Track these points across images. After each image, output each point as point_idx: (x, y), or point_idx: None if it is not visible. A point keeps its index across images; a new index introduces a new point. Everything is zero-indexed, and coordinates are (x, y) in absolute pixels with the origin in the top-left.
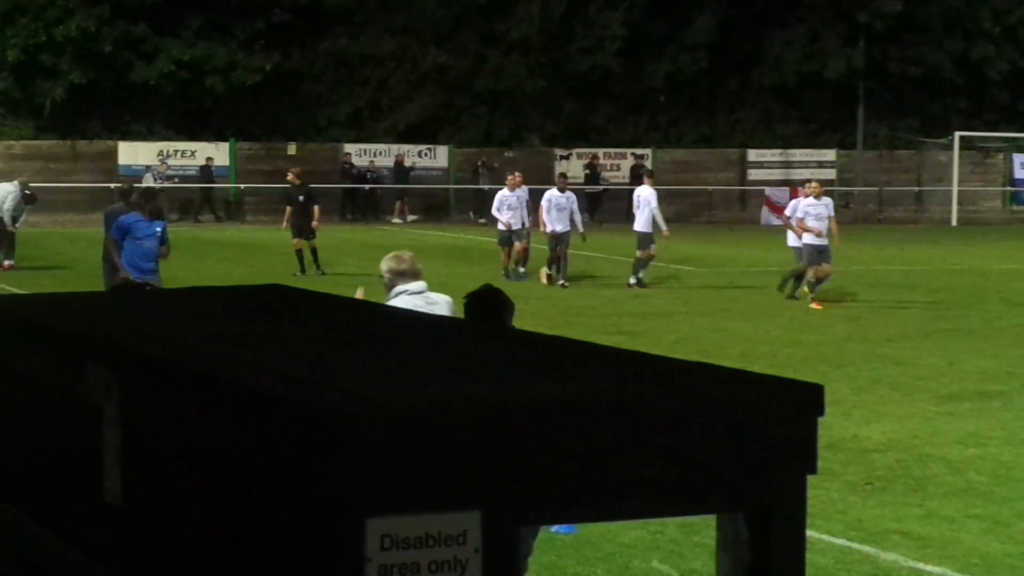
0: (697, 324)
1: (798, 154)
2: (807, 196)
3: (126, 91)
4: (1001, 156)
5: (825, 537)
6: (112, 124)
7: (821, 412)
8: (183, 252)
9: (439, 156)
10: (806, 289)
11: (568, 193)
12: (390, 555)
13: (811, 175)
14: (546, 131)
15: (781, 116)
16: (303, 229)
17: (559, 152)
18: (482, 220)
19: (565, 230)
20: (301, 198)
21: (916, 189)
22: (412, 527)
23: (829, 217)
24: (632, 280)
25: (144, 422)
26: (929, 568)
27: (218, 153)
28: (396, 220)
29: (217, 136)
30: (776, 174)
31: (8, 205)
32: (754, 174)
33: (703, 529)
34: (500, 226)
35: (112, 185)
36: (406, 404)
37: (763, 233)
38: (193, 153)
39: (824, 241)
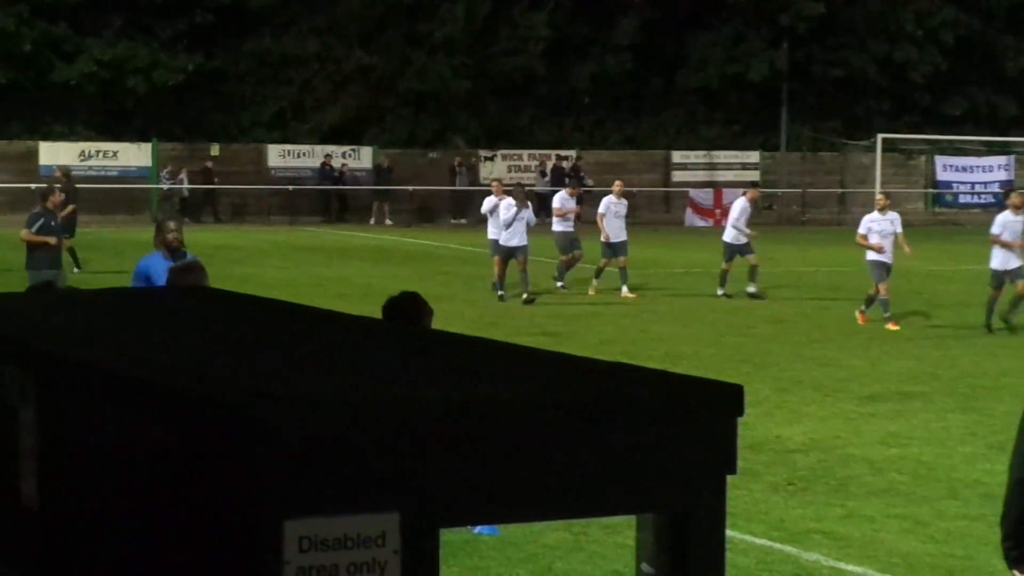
0: (621, 325)
1: (722, 156)
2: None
3: (47, 91)
4: (923, 158)
5: (747, 537)
6: (33, 125)
7: (741, 412)
8: (102, 253)
9: (363, 157)
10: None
11: (527, 211)
12: (308, 557)
13: (735, 177)
14: (471, 132)
15: (705, 118)
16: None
17: (483, 153)
18: (463, 221)
19: (518, 244)
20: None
21: (839, 191)
22: (330, 529)
23: (895, 233)
24: (559, 283)
25: (61, 424)
26: (850, 568)
27: (140, 154)
28: (385, 221)
29: (139, 136)
30: (700, 176)
31: None
32: (678, 176)
33: (625, 530)
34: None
35: (33, 186)
36: (324, 405)
37: (687, 235)
38: (115, 154)
39: (888, 258)
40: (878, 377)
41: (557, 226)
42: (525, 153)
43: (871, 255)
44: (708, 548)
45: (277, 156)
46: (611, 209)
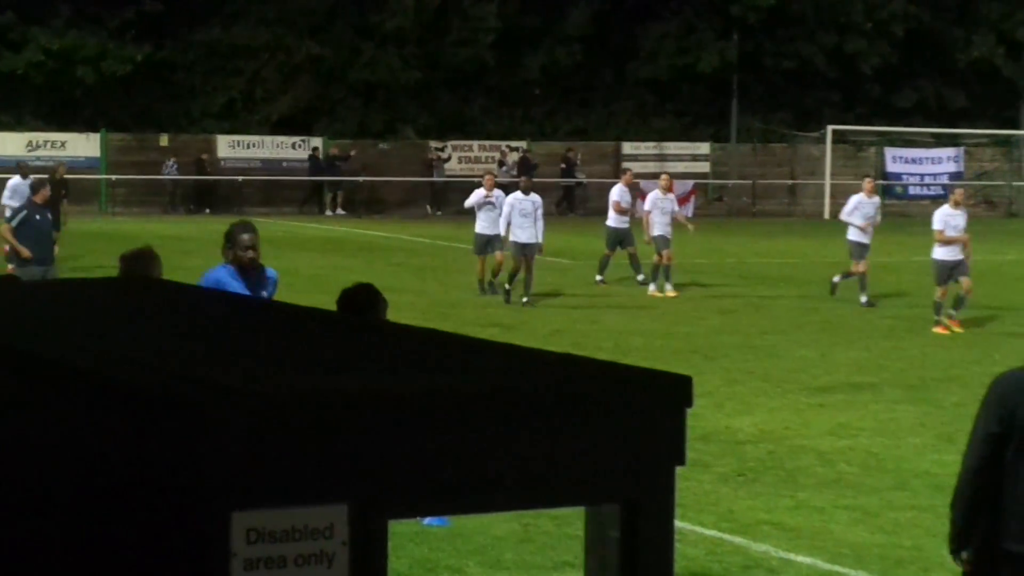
0: (572, 317)
1: (672, 147)
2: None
3: None
4: (873, 150)
5: (697, 528)
6: None
7: (690, 403)
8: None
9: (313, 148)
10: (951, 312)
11: (534, 195)
12: (256, 549)
13: (685, 168)
14: (421, 123)
15: (656, 109)
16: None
17: (434, 144)
18: (438, 212)
19: (531, 241)
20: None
21: (789, 182)
22: (278, 521)
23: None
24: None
25: (3, 416)
26: (799, 559)
27: (88, 144)
28: (329, 213)
29: (87, 127)
30: (651, 167)
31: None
32: (629, 167)
33: (575, 521)
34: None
35: None
36: (272, 396)
37: (638, 225)
38: (63, 144)
39: (960, 255)
40: (828, 368)
41: (611, 221)
42: (475, 144)
43: (941, 252)
44: (657, 539)
45: (227, 146)
46: (657, 205)
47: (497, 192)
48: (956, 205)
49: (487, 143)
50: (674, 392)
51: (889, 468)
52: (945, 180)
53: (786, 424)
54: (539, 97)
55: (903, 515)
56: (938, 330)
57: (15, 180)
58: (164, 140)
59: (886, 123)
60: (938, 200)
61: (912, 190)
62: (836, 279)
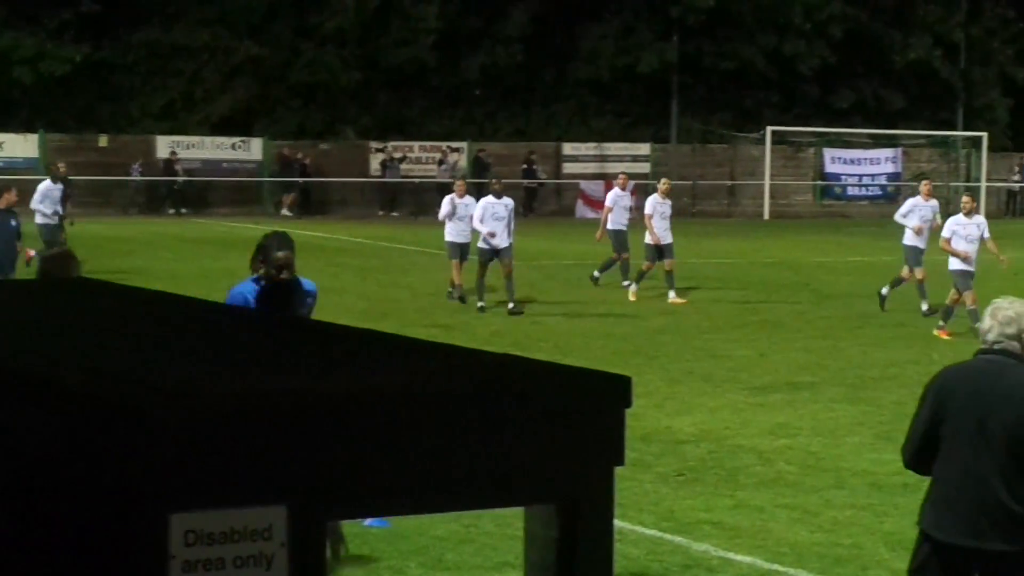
0: (512, 317)
1: (613, 148)
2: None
3: None
4: (812, 151)
5: (637, 528)
6: None
7: (629, 404)
8: None
9: (253, 149)
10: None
11: (506, 199)
12: (194, 551)
13: (625, 169)
14: (361, 124)
15: (596, 110)
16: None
17: (374, 145)
18: (395, 214)
19: (504, 245)
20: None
21: (729, 183)
22: (217, 522)
23: (983, 239)
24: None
25: None
26: (739, 558)
27: (27, 145)
28: (286, 212)
29: (26, 127)
30: (591, 168)
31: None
32: (569, 167)
33: (515, 521)
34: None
35: None
36: (210, 397)
37: (578, 226)
38: (1, 144)
39: (972, 266)
40: (767, 368)
41: (612, 224)
42: (416, 145)
43: (955, 263)
44: (597, 539)
45: (166, 147)
46: (657, 209)
47: (468, 199)
48: (969, 214)
49: (428, 144)
50: (613, 392)
51: (828, 467)
52: (883, 181)
53: (726, 424)
54: (480, 98)
55: (842, 514)
56: (940, 334)
57: (47, 184)
58: (103, 141)
59: (825, 124)
60: (877, 201)
61: (851, 191)
62: (884, 291)
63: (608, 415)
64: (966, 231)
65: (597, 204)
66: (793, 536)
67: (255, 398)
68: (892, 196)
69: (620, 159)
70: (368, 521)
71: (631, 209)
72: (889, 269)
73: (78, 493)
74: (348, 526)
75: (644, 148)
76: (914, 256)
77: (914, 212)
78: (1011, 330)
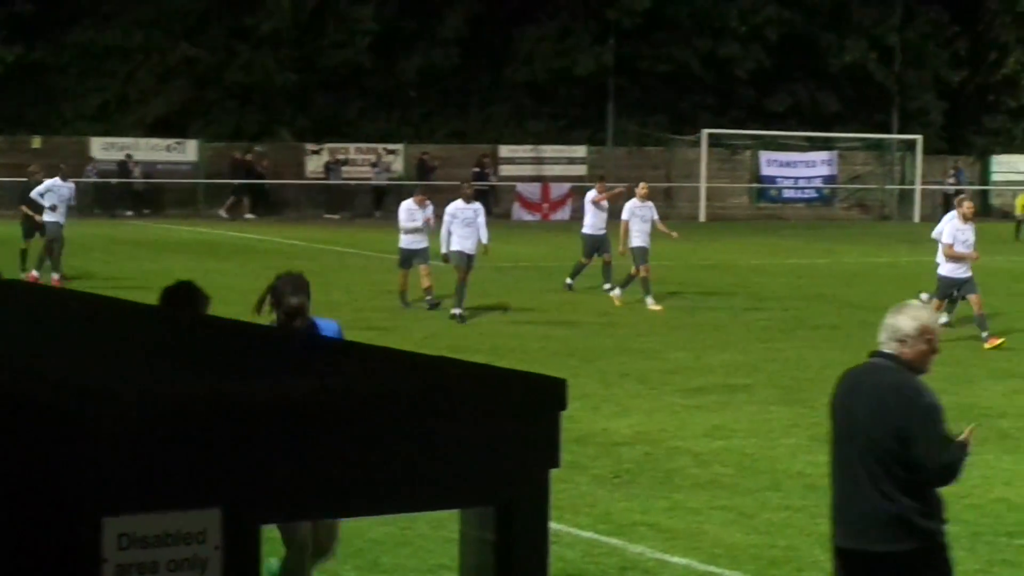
0: (448, 321)
1: (549, 150)
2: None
3: None
4: (748, 153)
5: (573, 530)
6: None
7: (564, 406)
8: None
9: (188, 150)
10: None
11: (475, 203)
12: (128, 554)
13: (562, 171)
14: (297, 125)
15: (532, 112)
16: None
17: (310, 147)
18: (336, 216)
19: (475, 251)
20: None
21: (665, 185)
22: (150, 525)
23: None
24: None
25: None
26: (675, 560)
27: None
28: (223, 214)
29: None
30: (527, 170)
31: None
32: (505, 170)
33: (450, 524)
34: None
35: None
36: (144, 401)
37: (514, 228)
38: None
39: (967, 272)
40: (703, 370)
41: (587, 228)
42: (352, 147)
43: (946, 268)
44: (533, 541)
45: (100, 149)
46: (636, 213)
47: (428, 208)
48: (966, 220)
49: (364, 146)
50: (548, 395)
51: (763, 469)
52: (819, 183)
53: (662, 426)
54: (416, 100)
55: (777, 516)
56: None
57: (54, 180)
58: (36, 142)
59: (761, 127)
60: (812, 203)
61: (786, 193)
62: (924, 297)
63: (543, 417)
64: (965, 236)
65: (533, 206)
66: (729, 538)
67: (189, 401)
68: (827, 199)
69: (556, 161)
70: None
71: (646, 220)
72: (825, 271)
73: (11, 496)
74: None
75: (580, 150)
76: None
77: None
78: (889, 333)
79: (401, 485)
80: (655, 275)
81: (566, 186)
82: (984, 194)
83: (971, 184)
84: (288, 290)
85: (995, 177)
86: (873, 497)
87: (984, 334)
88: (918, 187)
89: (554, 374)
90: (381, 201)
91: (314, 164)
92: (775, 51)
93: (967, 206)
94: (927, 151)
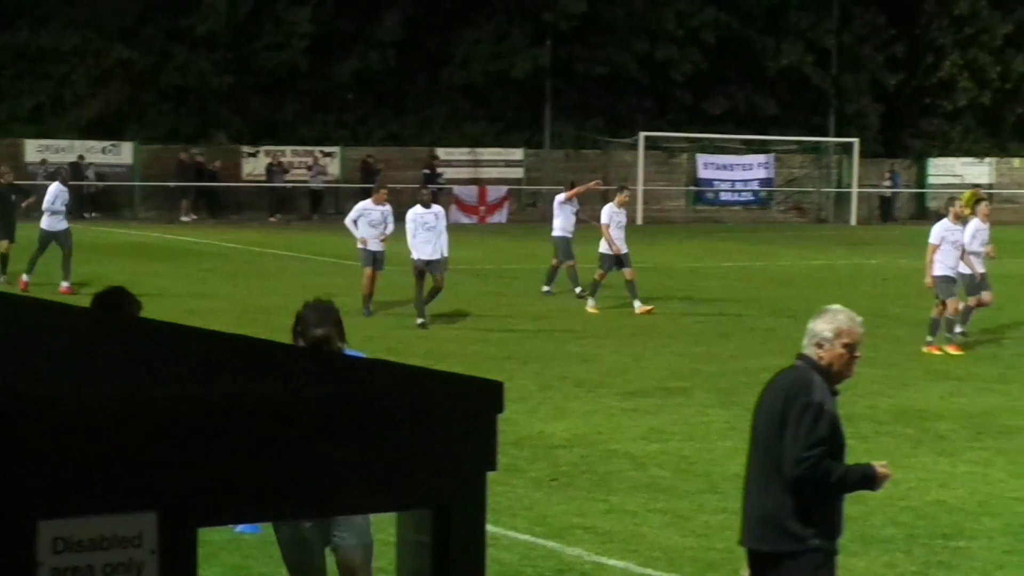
0: (385, 323)
1: (486, 153)
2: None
3: None
4: (685, 156)
5: (510, 533)
6: None
7: (501, 409)
8: None
9: (124, 152)
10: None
11: (436, 207)
12: (63, 558)
13: (499, 174)
14: (233, 128)
15: (469, 115)
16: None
17: (246, 149)
18: (278, 219)
19: (436, 257)
20: (14, 197)
21: (602, 188)
22: (86, 529)
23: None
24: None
25: None
26: (612, 562)
27: None
28: (184, 218)
29: None
30: (465, 173)
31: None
32: (443, 172)
33: (388, 527)
34: (360, 246)
35: None
36: (78, 404)
37: (451, 231)
38: None
39: (955, 273)
40: (640, 373)
41: (557, 231)
42: (288, 149)
43: (939, 270)
44: (469, 544)
45: (35, 151)
46: (614, 219)
47: (386, 207)
48: (958, 220)
49: (300, 148)
50: (485, 397)
51: (700, 471)
52: (756, 186)
53: (599, 428)
54: (352, 102)
55: (715, 518)
56: (951, 350)
57: (56, 185)
58: None
59: (698, 130)
60: (749, 206)
61: (723, 196)
62: (962, 319)
63: (480, 420)
64: (954, 237)
65: (470, 209)
66: (666, 540)
67: (125, 404)
68: (764, 202)
69: (493, 164)
70: (240, 527)
71: (621, 227)
72: (762, 274)
73: None
74: (220, 532)
75: (517, 153)
76: (979, 281)
77: (976, 237)
78: (809, 337)
79: (337, 488)
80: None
81: (503, 189)
82: (921, 197)
83: (906, 187)
84: (313, 320)
85: (932, 180)
86: (760, 497)
87: (930, 338)
88: (855, 190)
89: (491, 377)
90: (318, 204)
91: (251, 166)
92: (712, 54)
93: (983, 207)
94: (864, 154)
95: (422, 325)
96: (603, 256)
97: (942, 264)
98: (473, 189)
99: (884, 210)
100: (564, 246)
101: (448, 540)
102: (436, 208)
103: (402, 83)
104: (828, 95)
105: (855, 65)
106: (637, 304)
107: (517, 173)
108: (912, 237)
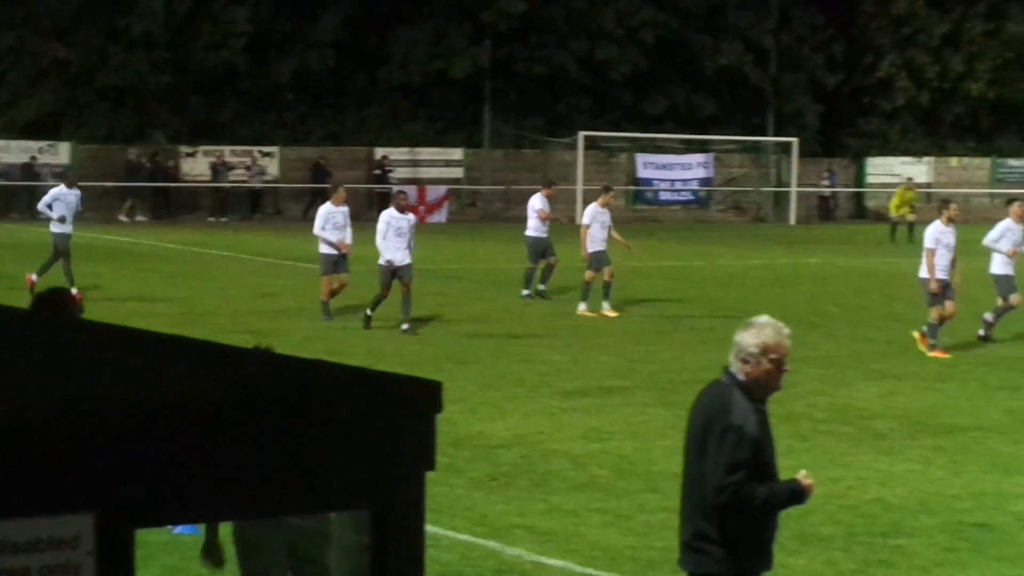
0: (325, 323)
1: (426, 153)
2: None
3: None
4: (624, 156)
5: (450, 533)
6: None
7: (439, 409)
8: None
9: (61, 153)
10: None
11: (409, 214)
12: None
13: (439, 174)
14: (171, 128)
15: (408, 114)
16: None
17: (184, 149)
18: (224, 219)
19: (405, 262)
20: None
21: (541, 188)
22: (22, 531)
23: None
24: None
25: None
26: (552, 562)
27: None
28: (123, 218)
29: None
30: (404, 172)
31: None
32: (393, 171)
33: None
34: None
35: None
36: (14, 406)
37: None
38: None
39: (947, 276)
40: (580, 373)
41: (531, 231)
42: (227, 149)
43: (925, 273)
44: (408, 544)
45: None
46: (597, 219)
47: (345, 208)
48: (950, 222)
49: (239, 148)
50: (424, 397)
51: (640, 471)
52: (695, 186)
53: (539, 428)
54: (291, 102)
55: (654, 517)
56: (935, 353)
57: (60, 188)
58: None
59: (637, 129)
60: (689, 206)
61: (663, 196)
62: (989, 318)
63: (419, 420)
64: (947, 240)
65: (411, 209)
66: (606, 540)
67: (62, 406)
68: (703, 201)
69: (433, 164)
70: (178, 528)
71: (605, 226)
72: (701, 273)
73: None
74: (157, 534)
75: (457, 153)
76: (1007, 285)
77: (1005, 237)
78: (735, 351)
79: (276, 489)
80: (500, 276)
81: (443, 188)
82: (859, 196)
83: (845, 186)
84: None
85: (870, 180)
86: (688, 522)
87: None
88: (794, 189)
89: (431, 377)
90: (257, 204)
91: (189, 166)
92: (651, 54)
93: (1016, 208)
94: (803, 154)
95: (368, 321)
96: (595, 256)
97: (937, 269)
98: (412, 189)
99: (823, 209)
100: (536, 247)
101: (387, 540)
102: (410, 216)
103: (341, 83)
104: (767, 95)
105: (794, 65)
106: (605, 305)
107: (457, 173)
108: (851, 236)
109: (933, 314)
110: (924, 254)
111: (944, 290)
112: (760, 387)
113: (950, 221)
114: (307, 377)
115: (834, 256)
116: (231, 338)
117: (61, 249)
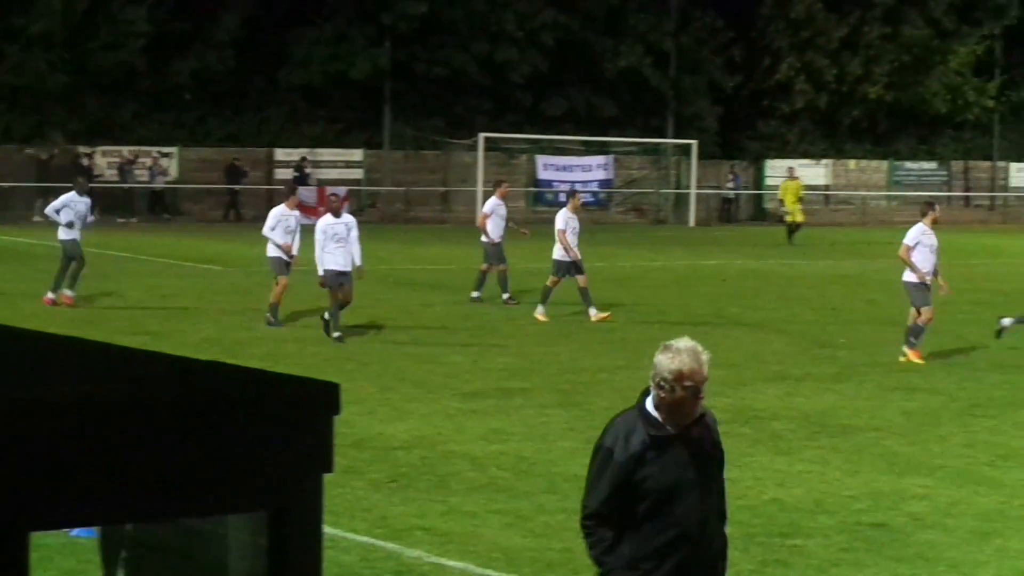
0: (224, 324)
1: (325, 153)
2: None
3: None
4: (525, 157)
5: (350, 535)
6: None
7: (337, 410)
8: None
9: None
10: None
11: (346, 216)
12: None
13: (339, 175)
14: (70, 128)
15: (308, 115)
16: None
17: (83, 150)
18: (134, 219)
19: (347, 268)
20: None
21: (442, 189)
22: None
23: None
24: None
25: None
26: (452, 563)
27: None
28: (38, 219)
29: None
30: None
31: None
32: (282, 173)
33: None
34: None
35: None
36: None
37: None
38: None
39: (929, 279)
40: (479, 374)
41: (493, 236)
42: (126, 149)
43: (911, 276)
44: (306, 547)
45: None
46: (569, 224)
47: (297, 212)
48: (935, 223)
49: (138, 148)
50: (320, 399)
51: (540, 472)
52: (595, 187)
53: (439, 430)
54: (190, 102)
55: (554, 518)
56: (913, 353)
57: (71, 195)
58: None
59: (537, 131)
60: (588, 207)
61: (563, 197)
62: (1007, 322)
63: (316, 422)
64: (930, 241)
65: (309, 210)
66: (505, 541)
67: None
68: (603, 203)
69: (333, 165)
70: (75, 531)
71: (576, 232)
72: (601, 275)
73: None
74: (54, 537)
75: (357, 154)
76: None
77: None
78: (653, 372)
79: (171, 491)
80: (398, 276)
81: (342, 189)
82: (758, 198)
83: (746, 188)
84: None
85: (769, 181)
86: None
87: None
88: (693, 191)
89: (330, 379)
90: (158, 205)
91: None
92: (551, 55)
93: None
94: (702, 156)
95: (339, 339)
96: (558, 263)
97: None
98: (312, 190)
99: (726, 211)
100: (494, 251)
101: (284, 542)
102: (347, 217)
103: (240, 83)
104: (667, 97)
105: (693, 67)
106: (592, 311)
107: (357, 174)
108: (750, 237)
109: (925, 314)
110: (903, 253)
111: (924, 293)
112: (673, 413)
113: (934, 223)
114: (203, 379)
115: (733, 257)
116: (127, 339)
117: (71, 255)
